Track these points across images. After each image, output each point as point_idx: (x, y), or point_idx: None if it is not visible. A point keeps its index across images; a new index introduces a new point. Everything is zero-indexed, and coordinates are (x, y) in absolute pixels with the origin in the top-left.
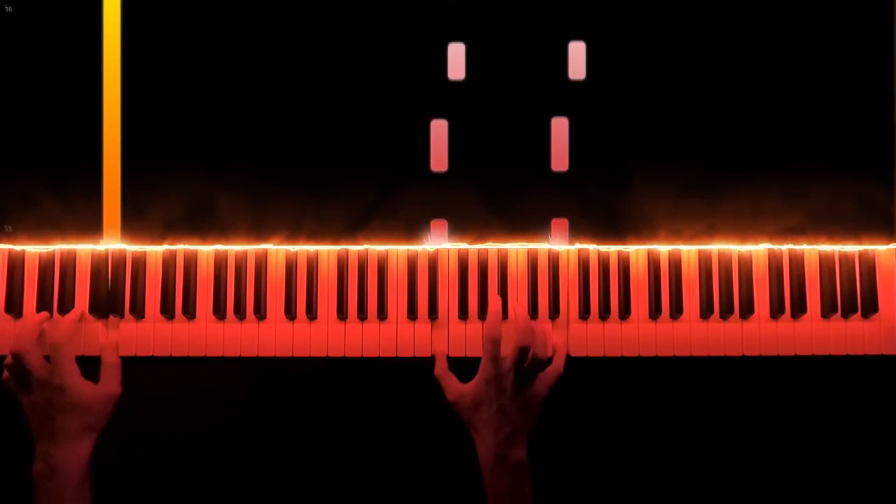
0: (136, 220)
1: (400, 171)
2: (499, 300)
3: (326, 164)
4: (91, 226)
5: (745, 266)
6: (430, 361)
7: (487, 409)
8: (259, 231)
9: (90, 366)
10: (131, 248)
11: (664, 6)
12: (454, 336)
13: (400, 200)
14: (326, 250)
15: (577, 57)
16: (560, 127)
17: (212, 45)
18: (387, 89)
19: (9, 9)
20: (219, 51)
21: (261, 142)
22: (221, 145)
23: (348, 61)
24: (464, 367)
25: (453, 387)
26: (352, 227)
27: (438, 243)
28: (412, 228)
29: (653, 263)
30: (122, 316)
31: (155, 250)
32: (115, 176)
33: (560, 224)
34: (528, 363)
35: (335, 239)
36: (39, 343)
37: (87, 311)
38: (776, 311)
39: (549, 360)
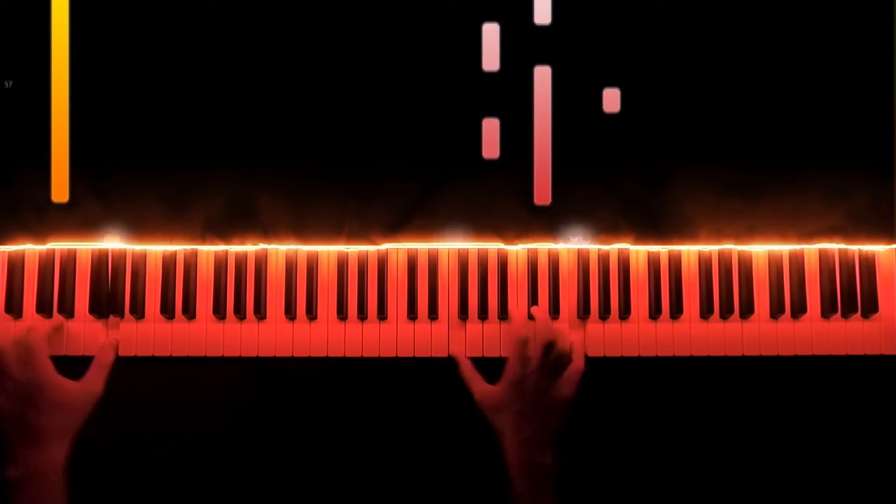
0: (175, 221)
1: (442, 169)
2: (523, 306)
3: (367, 164)
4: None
5: (745, 266)
6: (430, 361)
7: (510, 410)
8: (300, 232)
9: (86, 367)
10: (131, 247)
11: (700, 12)
12: (454, 336)
13: (441, 199)
14: (326, 250)
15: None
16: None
17: (250, 45)
18: (426, 85)
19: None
20: (255, 52)
21: (299, 142)
22: (260, 145)
23: (387, 58)
24: (453, 366)
25: (479, 388)
26: (392, 227)
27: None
28: (452, 228)
29: (653, 263)
30: (121, 316)
31: (155, 250)
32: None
33: (543, 72)
34: (552, 358)
35: (375, 239)
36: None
37: (87, 310)
38: (776, 311)
39: (570, 358)
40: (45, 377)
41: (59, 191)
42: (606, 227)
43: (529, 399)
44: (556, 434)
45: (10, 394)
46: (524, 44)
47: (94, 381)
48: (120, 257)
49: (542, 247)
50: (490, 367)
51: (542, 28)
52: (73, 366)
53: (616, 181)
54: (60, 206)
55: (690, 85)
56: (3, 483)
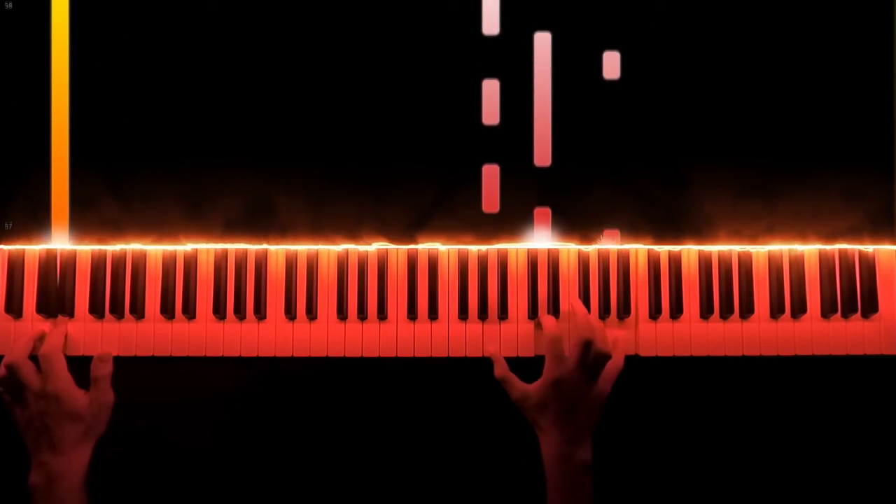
0: (192, 221)
1: (456, 168)
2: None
3: (384, 164)
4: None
5: (745, 266)
6: (431, 361)
7: (554, 409)
8: (318, 232)
9: (87, 365)
10: (131, 247)
11: (721, 14)
12: (455, 335)
13: (459, 198)
14: (326, 250)
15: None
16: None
17: (269, 46)
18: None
19: (9, 5)
20: (276, 52)
21: (319, 142)
22: (280, 146)
23: (402, 59)
24: (449, 366)
25: (517, 387)
26: (411, 227)
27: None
28: (471, 227)
29: (653, 263)
30: (121, 316)
31: (155, 250)
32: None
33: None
34: (591, 357)
35: (395, 239)
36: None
37: (87, 310)
38: (776, 311)
39: (609, 356)
40: (63, 389)
41: (61, 191)
42: (626, 228)
43: (570, 399)
44: (593, 430)
45: (31, 406)
46: None
47: (101, 392)
48: (120, 257)
49: (542, 247)
50: (487, 367)
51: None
52: (73, 366)
53: (635, 182)
54: (80, 206)
55: (699, 85)
56: (27, 489)
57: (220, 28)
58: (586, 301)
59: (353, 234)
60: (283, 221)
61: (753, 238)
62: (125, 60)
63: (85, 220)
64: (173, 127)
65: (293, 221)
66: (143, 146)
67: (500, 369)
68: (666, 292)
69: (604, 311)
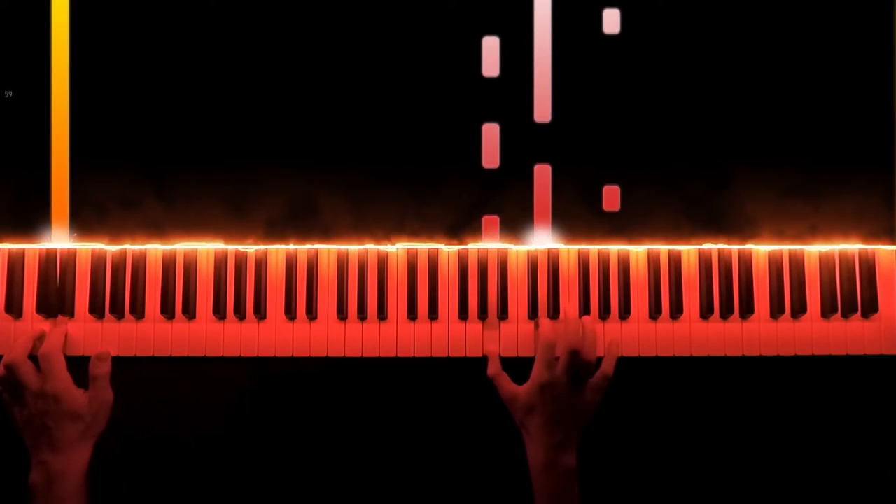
0: (235, 221)
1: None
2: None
3: (427, 164)
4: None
5: (745, 266)
6: (430, 361)
7: (541, 413)
8: (360, 231)
9: (86, 365)
10: (131, 247)
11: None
12: (455, 335)
13: (500, 200)
14: (326, 250)
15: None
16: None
17: (314, 46)
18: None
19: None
20: (319, 52)
21: (361, 142)
22: (322, 146)
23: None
24: (455, 366)
25: (507, 387)
26: (454, 228)
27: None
28: (515, 228)
29: (653, 263)
30: (121, 316)
31: (155, 250)
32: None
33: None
34: (576, 366)
35: (436, 238)
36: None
37: (87, 310)
38: (776, 311)
39: (598, 364)
40: (62, 389)
41: (61, 191)
42: (669, 228)
43: (556, 405)
44: (580, 436)
45: (30, 405)
46: None
47: (100, 391)
48: (120, 257)
49: (542, 247)
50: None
51: None
52: (74, 366)
53: (677, 182)
54: (125, 205)
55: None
56: (27, 489)
57: (225, 35)
58: (586, 301)
59: (359, 235)
60: (292, 224)
61: (798, 237)
62: (140, 57)
63: (126, 220)
64: (216, 130)
65: (310, 224)
66: (186, 149)
67: (493, 368)
68: (666, 292)
69: (604, 312)
